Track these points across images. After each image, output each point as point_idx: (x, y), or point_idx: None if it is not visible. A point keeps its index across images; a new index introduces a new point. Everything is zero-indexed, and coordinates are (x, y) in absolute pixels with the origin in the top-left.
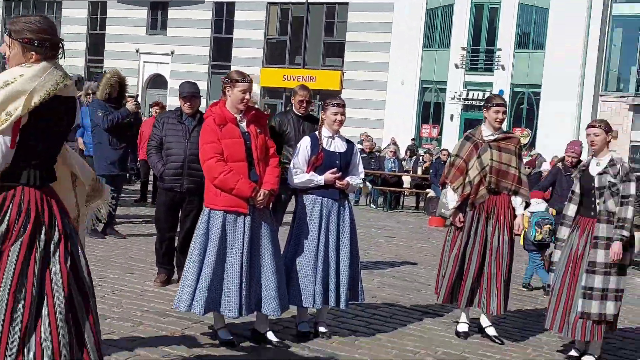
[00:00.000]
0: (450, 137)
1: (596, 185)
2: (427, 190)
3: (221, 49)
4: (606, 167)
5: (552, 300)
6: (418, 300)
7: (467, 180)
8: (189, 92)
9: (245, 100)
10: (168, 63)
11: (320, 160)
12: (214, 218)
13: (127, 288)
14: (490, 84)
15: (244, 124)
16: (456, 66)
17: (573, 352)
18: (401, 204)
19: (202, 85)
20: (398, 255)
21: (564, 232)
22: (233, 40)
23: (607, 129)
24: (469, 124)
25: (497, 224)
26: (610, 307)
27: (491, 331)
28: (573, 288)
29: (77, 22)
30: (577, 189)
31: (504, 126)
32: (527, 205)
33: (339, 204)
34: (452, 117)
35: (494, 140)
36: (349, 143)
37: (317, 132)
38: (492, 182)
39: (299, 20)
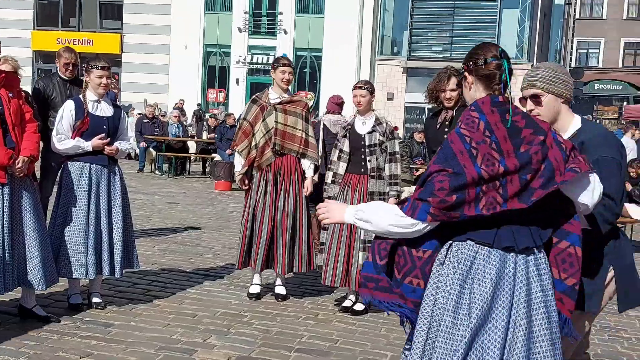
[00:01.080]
0: (237, 101)
1: (367, 143)
2: (213, 154)
3: None
4: (374, 126)
5: (329, 258)
6: (199, 264)
7: (253, 143)
8: None
9: None
10: None
11: (86, 125)
12: None
13: None
14: (273, 48)
15: None
16: (239, 30)
17: (347, 303)
18: (187, 169)
19: None
20: (181, 221)
21: (335, 190)
22: None
23: (372, 90)
24: (255, 88)
25: (284, 185)
26: None
27: (279, 289)
28: (352, 243)
29: None
30: (345, 147)
31: (290, 89)
32: (317, 167)
33: (109, 170)
34: (237, 81)
35: (280, 103)
36: (116, 107)
37: (81, 96)
38: (277, 144)
39: None
